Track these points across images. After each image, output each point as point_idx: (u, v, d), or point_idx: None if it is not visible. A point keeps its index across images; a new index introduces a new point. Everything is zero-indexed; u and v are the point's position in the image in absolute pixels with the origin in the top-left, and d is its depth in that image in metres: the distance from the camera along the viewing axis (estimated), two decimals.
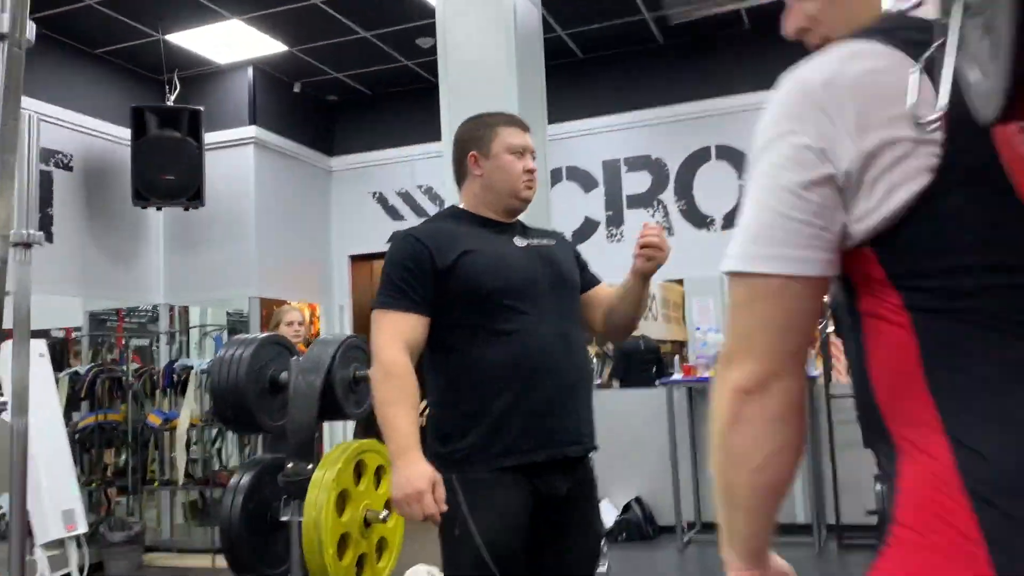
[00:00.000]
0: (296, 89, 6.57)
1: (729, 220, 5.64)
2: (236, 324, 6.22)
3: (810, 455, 4.86)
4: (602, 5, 5.45)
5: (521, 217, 2.04)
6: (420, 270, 1.85)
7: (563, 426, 1.86)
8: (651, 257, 1.90)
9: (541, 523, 1.85)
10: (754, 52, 5.66)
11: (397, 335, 1.83)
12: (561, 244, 2.07)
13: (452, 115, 3.70)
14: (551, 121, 4.11)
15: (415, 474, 1.73)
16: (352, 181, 6.80)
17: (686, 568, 4.75)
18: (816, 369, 5.15)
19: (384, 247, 6.87)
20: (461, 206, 2.03)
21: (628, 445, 5.28)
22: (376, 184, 6.72)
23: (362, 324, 6.65)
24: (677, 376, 5.24)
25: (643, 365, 5.94)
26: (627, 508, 5.29)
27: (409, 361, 1.82)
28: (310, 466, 2.39)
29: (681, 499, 5.01)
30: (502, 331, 1.84)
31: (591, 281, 2.10)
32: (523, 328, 1.85)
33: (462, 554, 1.79)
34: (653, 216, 5.83)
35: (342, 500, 2.36)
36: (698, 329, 5.45)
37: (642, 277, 1.95)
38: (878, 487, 4.23)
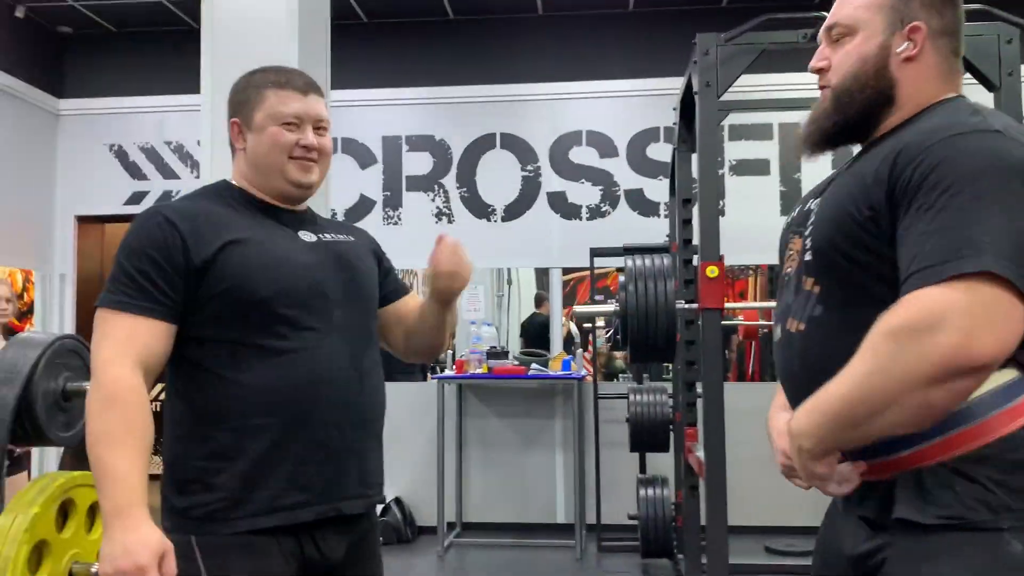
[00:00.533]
0: (19, 14, 5.48)
1: (510, 212, 5.44)
2: None
3: (576, 454, 4.81)
4: None
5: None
6: (168, 262, 1.39)
7: (344, 476, 1.48)
8: (447, 285, 1.59)
9: None
10: (545, 41, 5.48)
11: (128, 347, 1.36)
12: (360, 242, 1.67)
13: (215, 66, 3.14)
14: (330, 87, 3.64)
15: (135, 543, 1.28)
16: (85, 129, 5.79)
17: (446, 574, 4.51)
18: (584, 369, 5.12)
19: (121, 209, 5.92)
20: (233, 182, 1.58)
21: (391, 442, 4.92)
22: (114, 135, 5.78)
23: (88, 300, 5.72)
24: (449, 372, 4.99)
25: None
26: (386, 510, 4.97)
27: (142, 383, 1.36)
28: None
29: (445, 500, 4.77)
30: (273, 349, 1.41)
31: (396, 291, 1.72)
32: (304, 347, 1.44)
33: None
34: (433, 201, 5.49)
35: (38, 553, 1.80)
36: (472, 323, 5.21)
37: (442, 302, 1.63)
38: (642, 492, 4.24)
